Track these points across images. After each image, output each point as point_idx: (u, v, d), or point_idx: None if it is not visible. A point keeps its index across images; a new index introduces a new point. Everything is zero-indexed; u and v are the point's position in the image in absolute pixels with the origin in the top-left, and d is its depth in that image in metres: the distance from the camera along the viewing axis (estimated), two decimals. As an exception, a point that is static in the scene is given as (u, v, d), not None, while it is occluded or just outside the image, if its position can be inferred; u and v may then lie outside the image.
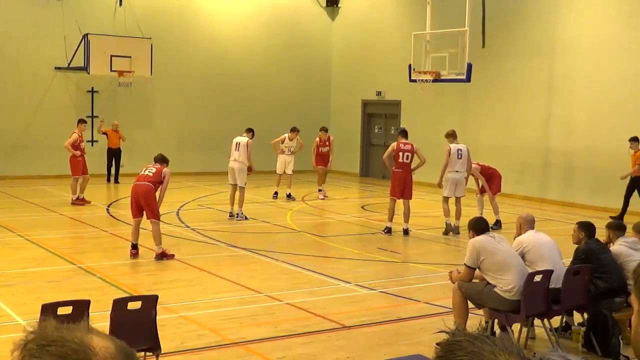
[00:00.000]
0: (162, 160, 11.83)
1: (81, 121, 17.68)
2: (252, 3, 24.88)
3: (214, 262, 11.25)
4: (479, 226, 7.47)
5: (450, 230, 14.22)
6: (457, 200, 14.50)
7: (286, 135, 18.60)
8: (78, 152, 16.79)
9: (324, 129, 19.17)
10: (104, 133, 20.77)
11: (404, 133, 14.56)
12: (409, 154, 14.09)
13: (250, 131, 15.70)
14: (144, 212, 11.25)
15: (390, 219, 14.06)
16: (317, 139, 18.91)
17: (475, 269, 7.35)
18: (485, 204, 15.16)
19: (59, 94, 21.91)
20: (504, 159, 20.71)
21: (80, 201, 16.72)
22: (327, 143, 18.86)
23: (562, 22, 19.18)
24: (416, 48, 18.50)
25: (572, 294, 7.46)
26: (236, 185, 15.35)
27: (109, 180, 20.99)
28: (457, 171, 14.29)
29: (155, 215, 11.25)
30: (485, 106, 21.05)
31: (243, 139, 15.47)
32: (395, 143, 14.23)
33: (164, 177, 11.38)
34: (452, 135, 14.48)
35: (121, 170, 20.87)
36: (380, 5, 24.42)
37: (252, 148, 15.47)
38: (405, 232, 14.02)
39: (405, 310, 8.94)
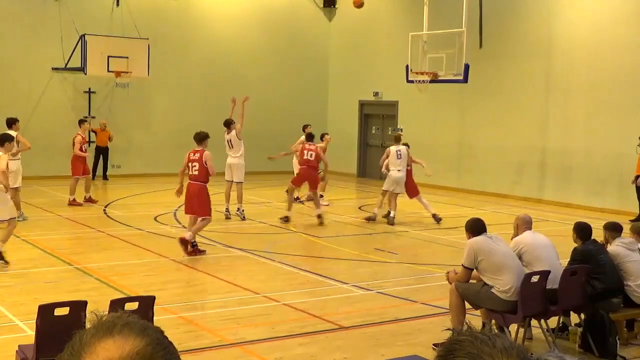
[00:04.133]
0: (200, 139, 11.89)
1: (82, 121, 17.86)
2: (250, 4, 24.88)
3: (212, 263, 11.25)
4: (475, 227, 7.48)
5: (372, 219, 15.50)
6: (395, 195, 15.48)
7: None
8: (86, 154, 17.18)
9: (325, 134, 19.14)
10: (92, 131, 21.11)
11: (310, 136, 15.97)
12: (313, 153, 15.31)
13: (229, 124, 15.60)
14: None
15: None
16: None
17: (473, 269, 7.36)
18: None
19: (56, 94, 21.89)
20: (501, 160, 20.77)
21: (88, 200, 16.96)
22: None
23: (559, 23, 19.21)
24: (413, 49, 18.51)
25: (569, 295, 7.48)
26: (232, 181, 15.44)
27: (93, 177, 21.14)
28: (398, 170, 15.44)
29: (204, 213, 11.62)
30: (482, 107, 21.07)
31: (231, 134, 15.53)
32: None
33: (206, 164, 11.53)
34: (396, 139, 16.10)
35: (119, 171, 20.89)
36: (378, 6, 24.42)
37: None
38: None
39: (402, 310, 8.95)
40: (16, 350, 5.94)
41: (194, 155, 11.71)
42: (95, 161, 21.57)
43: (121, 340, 1.28)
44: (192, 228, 11.66)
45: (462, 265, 7.39)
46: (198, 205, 11.64)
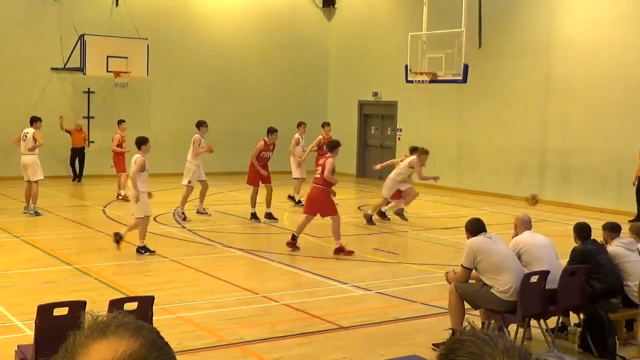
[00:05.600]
0: (332, 148, 12.54)
1: (121, 121, 18.47)
2: (249, 4, 24.87)
3: (211, 262, 11.25)
4: (475, 227, 7.49)
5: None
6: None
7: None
8: (126, 149, 17.69)
9: (327, 124, 18.82)
10: (67, 132, 20.82)
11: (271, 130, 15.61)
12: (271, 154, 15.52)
13: (200, 125, 15.87)
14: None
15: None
16: (321, 136, 18.18)
17: (472, 269, 7.36)
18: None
19: (55, 94, 21.88)
20: (500, 160, 20.77)
21: (122, 198, 17.50)
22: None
23: (558, 23, 19.21)
24: (412, 49, 18.50)
25: (569, 295, 7.47)
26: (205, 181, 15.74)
27: (74, 179, 21.20)
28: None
29: (330, 213, 12.12)
30: (481, 107, 21.07)
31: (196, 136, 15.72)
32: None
33: (326, 168, 12.03)
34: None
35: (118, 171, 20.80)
36: (377, 6, 24.43)
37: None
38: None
39: (401, 311, 8.95)
40: (15, 351, 5.94)
41: (322, 159, 12.44)
42: (71, 162, 21.28)
43: (115, 341, 1.27)
44: (333, 231, 12.14)
45: (462, 265, 7.39)
46: (322, 207, 12.18)
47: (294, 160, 17.57)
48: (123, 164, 17.74)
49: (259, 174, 15.30)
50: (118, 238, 11.58)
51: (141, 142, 11.98)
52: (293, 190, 17.91)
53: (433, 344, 7.38)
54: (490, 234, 7.55)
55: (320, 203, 12.16)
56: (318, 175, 12.20)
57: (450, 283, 7.59)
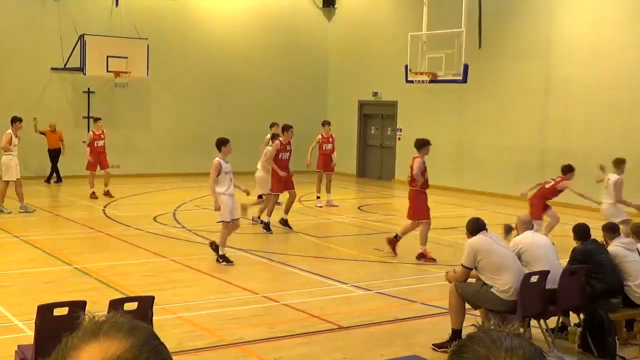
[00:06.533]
0: (419, 146, 12.23)
1: (97, 119, 18.92)
2: (249, 4, 24.87)
3: (211, 262, 11.25)
4: (475, 227, 7.49)
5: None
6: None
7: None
8: (96, 148, 18.16)
9: (327, 123, 18.49)
10: (42, 133, 20.44)
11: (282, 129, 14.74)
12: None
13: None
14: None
15: None
16: (320, 135, 18.13)
17: (472, 269, 7.37)
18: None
19: (55, 94, 21.88)
20: (500, 160, 20.77)
21: (106, 194, 18.16)
22: (331, 140, 18.02)
23: (558, 23, 19.21)
24: (412, 49, 18.49)
25: (569, 295, 7.47)
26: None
27: (47, 181, 20.91)
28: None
29: (415, 216, 12.13)
30: (481, 107, 21.07)
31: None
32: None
33: (414, 168, 12.07)
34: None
35: (118, 171, 20.82)
36: (377, 6, 24.43)
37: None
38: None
39: (401, 311, 8.95)
40: (15, 351, 5.94)
41: (412, 161, 12.26)
42: (53, 164, 20.87)
43: (106, 342, 1.27)
44: (421, 235, 12.14)
45: (462, 264, 7.39)
46: (415, 210, 12.23)
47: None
48: (105, 161, 18.31)
49: (282, 180, 14.01)
50: (214, 247, 11.24)
51: (221, 144, 11.18)
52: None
53: (433, 344, 7.39)
54: (491, 232, 7.55)
55: (413, 205, 12.18)
56: (409, 178, 12.22)
57: (450, 282, 7.59)
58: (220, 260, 11.10)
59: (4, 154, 15.43)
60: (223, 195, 11.05)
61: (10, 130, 15.46)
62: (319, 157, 18.09)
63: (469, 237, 7.47)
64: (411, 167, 12.01)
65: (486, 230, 7.51)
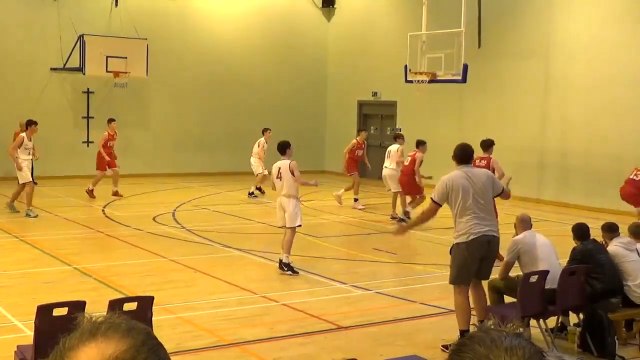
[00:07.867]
0: (418, 144, 15.38)
1: (111, 120, 18.66)
2: (248, 4, 24.86)
3: (210, 263, 11.25)
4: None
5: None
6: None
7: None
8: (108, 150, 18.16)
9: (363, 130, 19.84)
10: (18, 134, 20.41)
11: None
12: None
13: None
14: None
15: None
16: (355, 140, 18.65)
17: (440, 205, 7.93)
18: None
19: (54, 95, 21.87)
20: (499, 159, 20.65)
21: (114, 195, 18.04)
22: (363, 146, 18.63)
23: (557, 22, 19.21)
24: (412, 49, 18.50)
25: (568, 295, 7.48)
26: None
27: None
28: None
29: (417, 191, 14.58)
30: (481, 107, 21.06)
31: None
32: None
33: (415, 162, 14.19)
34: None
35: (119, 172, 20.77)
36: (376, 6, 24.43)
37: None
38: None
39: (401, 310, 8.95)
40: (15, 351, 5.94)
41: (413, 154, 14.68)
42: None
43: (103, 343, 1.27)
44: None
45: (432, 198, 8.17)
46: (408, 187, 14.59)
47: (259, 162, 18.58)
48: (113, 161, 18.26)
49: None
50: (285, 265, 10.64)
51: (286, 147, 10.75)
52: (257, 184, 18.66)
53: (442, 346, 7.35)
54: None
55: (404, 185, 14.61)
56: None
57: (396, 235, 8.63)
58: (285, 269, 10.57)
59: (20, 157, 15.28)
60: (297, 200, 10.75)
61: (24, 134, 15.46)
62: (349, 161, 18.20)
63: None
64: (412, 160, 13.81)
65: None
